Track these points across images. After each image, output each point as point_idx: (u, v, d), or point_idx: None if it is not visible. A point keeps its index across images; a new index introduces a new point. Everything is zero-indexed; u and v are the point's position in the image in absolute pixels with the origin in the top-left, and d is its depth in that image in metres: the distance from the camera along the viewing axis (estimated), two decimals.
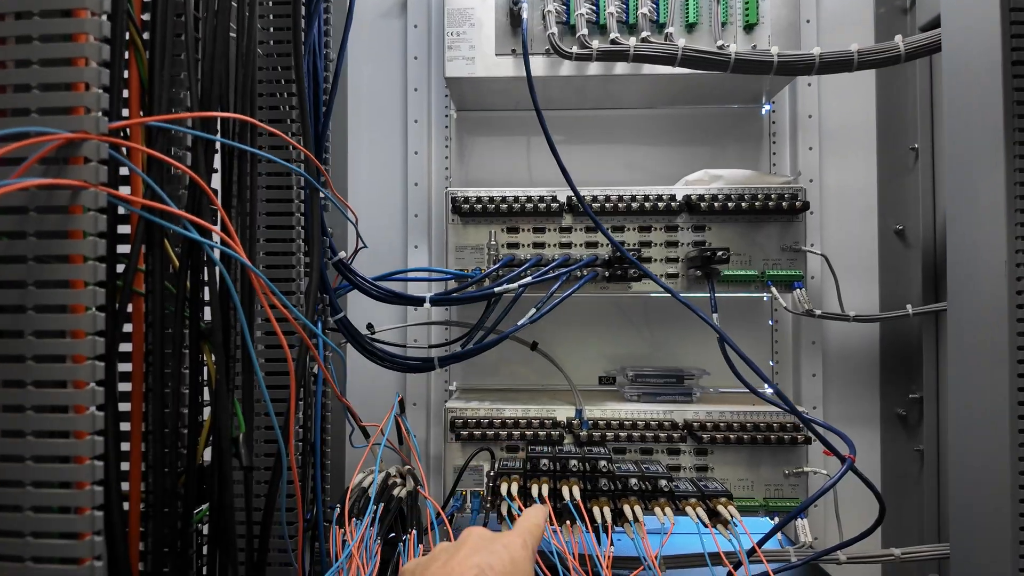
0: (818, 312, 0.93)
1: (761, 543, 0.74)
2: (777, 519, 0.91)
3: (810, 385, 1.07)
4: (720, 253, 0.85)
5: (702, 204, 0.91)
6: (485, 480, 0.90)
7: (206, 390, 0.49)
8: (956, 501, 0.78)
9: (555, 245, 0.94)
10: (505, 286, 0.84)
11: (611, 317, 1.12)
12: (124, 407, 0.46)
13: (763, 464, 0.91)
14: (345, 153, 1.11)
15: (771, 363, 1.09)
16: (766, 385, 0.90)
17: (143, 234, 0.44)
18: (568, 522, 0.79)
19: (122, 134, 0.46)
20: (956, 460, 0.76)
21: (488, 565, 0.44)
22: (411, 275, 0.95)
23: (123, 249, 0.46)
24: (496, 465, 0.90)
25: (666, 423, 0.90)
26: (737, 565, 0.75)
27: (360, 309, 1.01)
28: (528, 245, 0.94)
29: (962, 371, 0.74)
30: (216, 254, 0.45)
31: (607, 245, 0.92)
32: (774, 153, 1.11)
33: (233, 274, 0.48)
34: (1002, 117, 0.67)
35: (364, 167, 1.13)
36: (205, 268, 0.48)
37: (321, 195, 0.75)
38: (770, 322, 1.10)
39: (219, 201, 0.47)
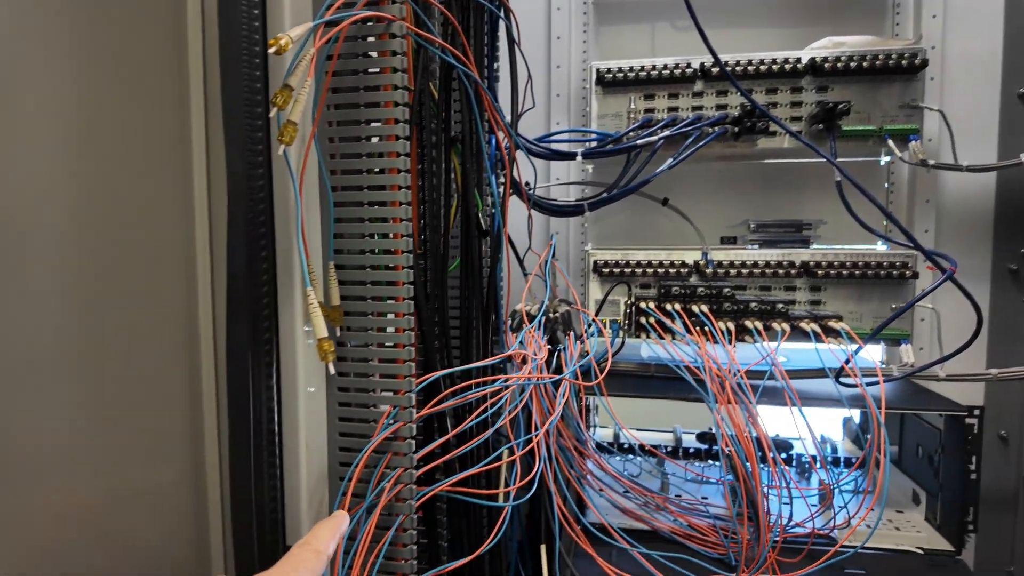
0: (932, 162, 1.02)
1: (875, 334, 0.88)
2: (883, 346, 1.03)
3: (923, 241, 1.16)
4: (841, 106, 0.96)
5: (826, 65, 1.01)
6: (623, 308, 1.08)
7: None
8: None
9: (688, 109, 1.07)
10: (646, 139, 0.99)
11: (734, 185, 1.25)
12: None
13: (872, 299, 1.03)
14: None
15: (884, 223, 1.19)
16: (880, 242, 1.02)
17: (417, 59, 0.63)
18: (697, 329, 0.96)
19: None
20: None
21: None
22: (564, 136, 1.12)
23: None
24: (633, 294, 1.08)
25: (784, 262, 1.04)
26: (844, 373, 0.90)
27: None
28: (663, 111, 1.08)
29: None
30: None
31: (735, 108, 1.04)
32: (897, 24, 1.17)
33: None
34: None
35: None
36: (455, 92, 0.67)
37: None
38: (885, 185, 1.19)
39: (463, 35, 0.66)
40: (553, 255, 1.13)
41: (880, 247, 1.07)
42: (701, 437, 1.32)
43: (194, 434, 0.47)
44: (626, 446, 1.30)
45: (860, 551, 0.90)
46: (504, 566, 0.78)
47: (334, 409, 0.63)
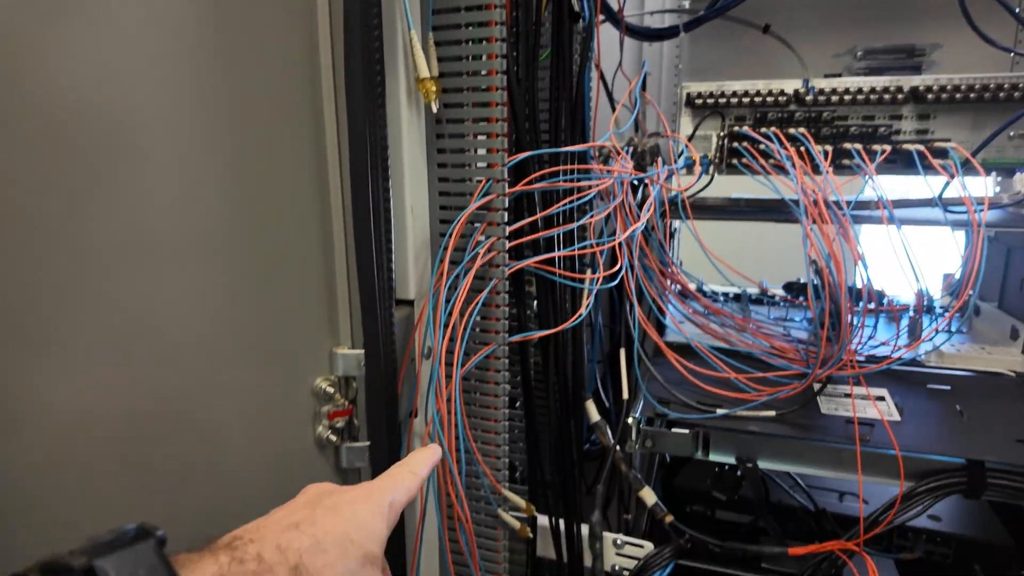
0: None
1: (988, 141, 0.84)
2: (994, 174, 0.97)
3: None
4: None
5: None
6: (715, 142, 1.06)
7: None
8: None
9: None
10: None
11: (841, 17, 1.17)
12: None
13: (987, 127, 0.96)
14: None
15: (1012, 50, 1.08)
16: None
17: None
18: (795, 150, 0.94)
19: None
20: None
21: (313, 545, 0.35)
22: None
23: None
24: (727, 125, 1.06)
25: (892, 88, 0.98)
26: (950, 200, 0.86)
27: None
28: None
29: None
30: None
31: None
32: None
33: None
34: None
35: None
36: None
37: None
38: (1016, 9, 1.08)
39: None
40: (643, 86, 1.12)
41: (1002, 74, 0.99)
42: (788, 287, 1.31)
43: (319, 160, 0.53)
44: (709, 293, 1.31)
45: (948, 372, 0.90)
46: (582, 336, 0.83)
47: (435, 184, 0.68)
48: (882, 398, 0.82)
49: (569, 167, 0.73)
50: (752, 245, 1.49)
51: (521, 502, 0.73)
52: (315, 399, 0.56)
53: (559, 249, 0.73)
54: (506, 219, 0.66)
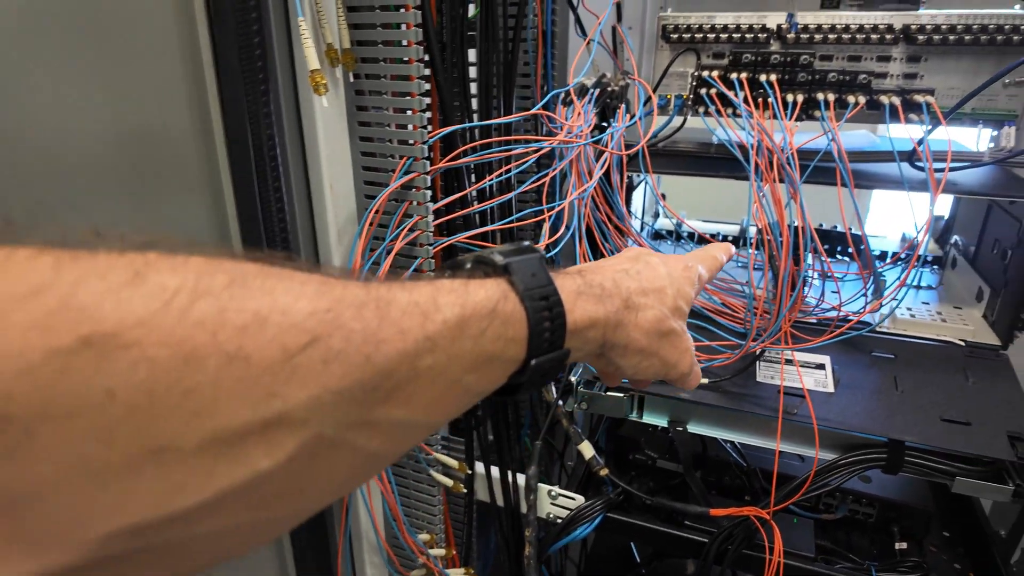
0: None
1: (962, 103, 0.79)
2: (983, 126, 0.91)
3: None
4: None
5: None
6: (689, 80, 1.00)
7: None
8: None
9: None
10: None
11: None
12: None
13: (981, 73, 0.89)
14: None
15: None
16: None
17: None
18: (761, 101, 0.89)
19: None
20: None
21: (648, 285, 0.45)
22: None
23: None
24: (700, 62, 1.00)
25: (881, 26, 0.90)
26: (917, 156, 0.81)
27: None
28: None
29: None
30: None
31: None
32: None
33: None
34: None
35: None
36: None
37: None
38: None
39: None
40: (619, 17, 1.04)
41: (1016, 9, 0.89)
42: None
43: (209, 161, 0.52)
44: (684, 235, 1.29)
45: (897, 339, 0.89)
46: None
47: (358, 158, 0.66)
48: (822, 366, 0.83)
49: (500, 139, 0.70)
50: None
51: (453, 463, 0.77)
52: None
53: (492, 222, 0.72)
54: (428, 197, 0.65)
